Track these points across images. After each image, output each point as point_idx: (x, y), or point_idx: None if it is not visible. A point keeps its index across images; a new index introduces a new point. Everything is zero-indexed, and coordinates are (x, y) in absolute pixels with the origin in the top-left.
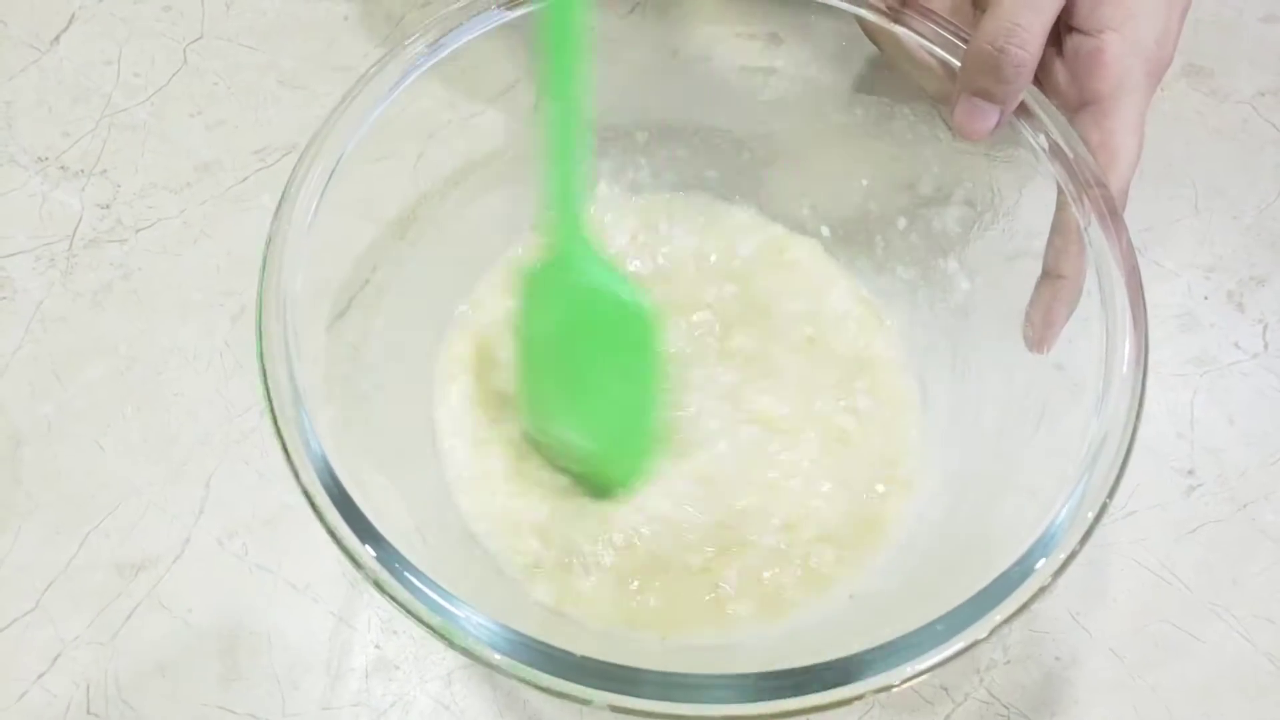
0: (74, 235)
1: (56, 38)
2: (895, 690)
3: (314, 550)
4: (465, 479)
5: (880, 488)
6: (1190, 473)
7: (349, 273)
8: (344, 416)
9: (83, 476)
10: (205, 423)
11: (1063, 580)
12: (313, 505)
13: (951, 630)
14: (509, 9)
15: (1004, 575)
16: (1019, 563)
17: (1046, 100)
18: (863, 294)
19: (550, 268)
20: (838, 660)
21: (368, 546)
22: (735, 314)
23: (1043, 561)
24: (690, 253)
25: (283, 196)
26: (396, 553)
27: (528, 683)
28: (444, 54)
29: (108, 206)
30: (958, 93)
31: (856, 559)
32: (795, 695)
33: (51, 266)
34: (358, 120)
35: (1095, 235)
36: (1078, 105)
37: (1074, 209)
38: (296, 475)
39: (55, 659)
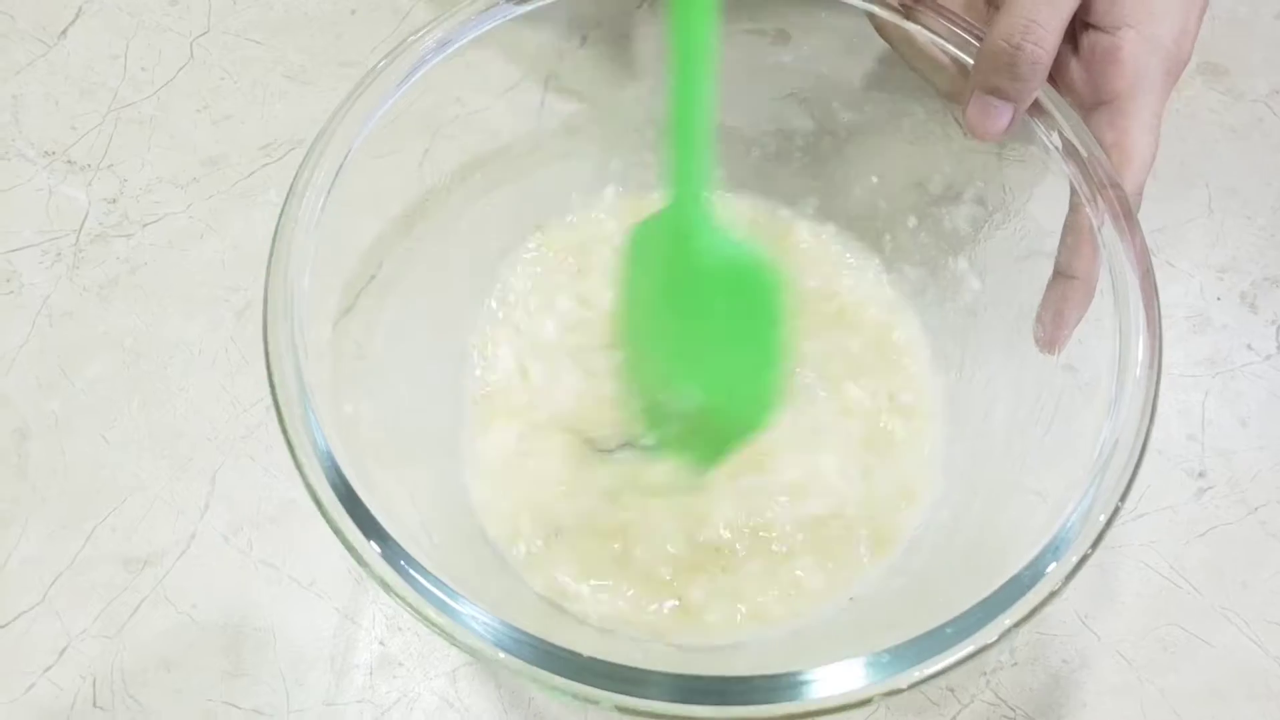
0: (80, 230)
1: (63, 32)
2: (903, 693)
3: (319, 546)
4: (481, 473)
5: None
6: (1201, 475)
7: (356, 269)
8: (351, 413)
9: (89, 471)
10: (211, 418)
11: (1071, 582)
12: (317, 502)
13: (961, 634)
14: (517, 4)
15: (1014, 579)
16: (1029, 566)
17: (1060, 98)
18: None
19: (675, 225)
20: (846, 663)
21: (373, 543)
22: None
23: (1053, 565)
24: None
25: (289, 192)
26: (402, 550)
27: (533, 682)
28: (452, 49)
29: (114, 201)
30: (970, 91)
31: (862, 561)
32: (803, 698)
33: (58, 261)
34: (365, 116)
35: (1109, 236)
36: (1093, 104)
37: (1087, 209)
38: (302, 472)
39: (62, 653)
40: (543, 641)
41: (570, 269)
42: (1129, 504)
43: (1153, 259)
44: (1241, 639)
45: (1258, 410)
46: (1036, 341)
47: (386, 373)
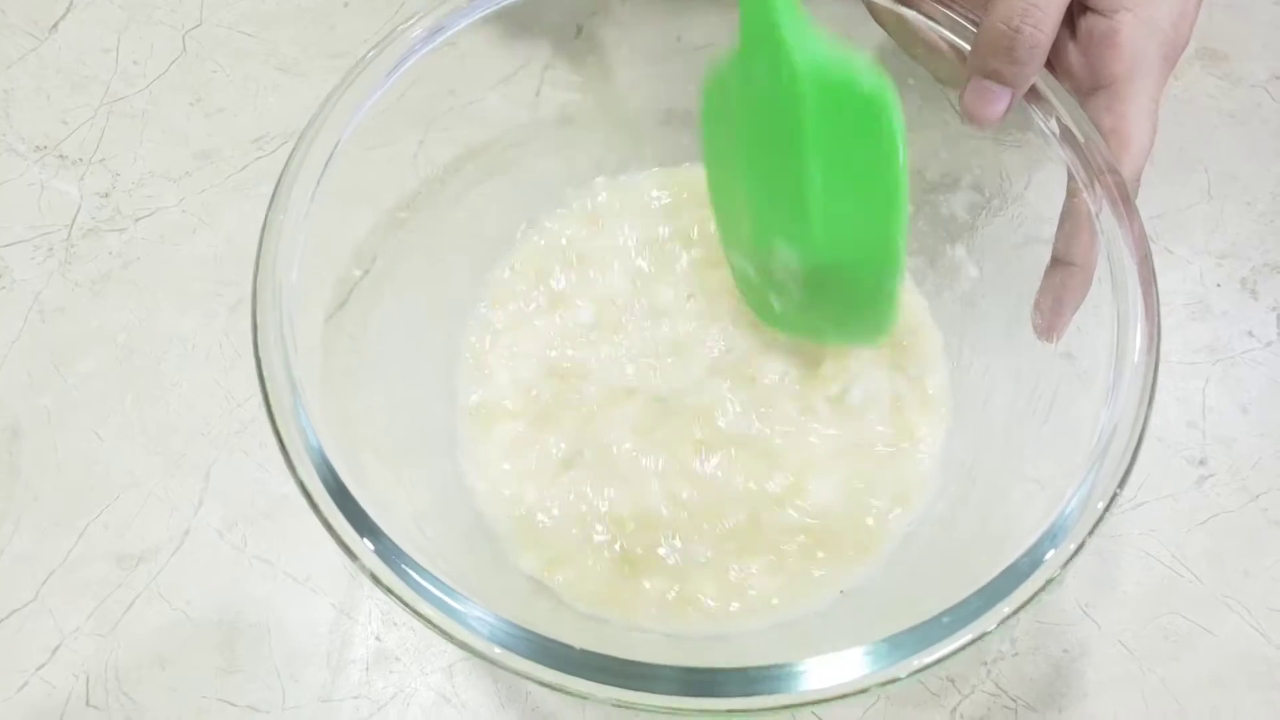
0: (72, 224)
1: (55, 25)
2: (902, 683)
3: (314, 542)
4: (476, 465)
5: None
6: (1201, 463)
7: (348, 263)
8: (345, 408)
9: (81, 467)
10: (204, 413)
11: (1071, 572)
12: (309, 498)
13: (959, 623)
14: None
15: (1012, 567)
16: (1027, 554)
17: (1058, 83)
18: None
19: (764, 54)
20: (844, 652)
21: (365, 540)
22: None
23: (1051, 553)
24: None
25: (277, 185)
26: (395, 546)
27: (527, 677)
28: (442, 38)
29: (106, 195)
30: (968, 75)
31: (855, 553)
32: (800, 688)
33: (50, 256)
34: (354, 107)
35: (1107, 222)
36: (1090, 88)
37: (1085, 195)
38: (292, 468)
39: (55, 650)
40: (536, 635)
41: (567, 260)
42: (1128, 493)
43: (1151, 245)
44: (1243, 627)
45: (1258, 397)
46: (1035, 329)
47: (380, 366)
